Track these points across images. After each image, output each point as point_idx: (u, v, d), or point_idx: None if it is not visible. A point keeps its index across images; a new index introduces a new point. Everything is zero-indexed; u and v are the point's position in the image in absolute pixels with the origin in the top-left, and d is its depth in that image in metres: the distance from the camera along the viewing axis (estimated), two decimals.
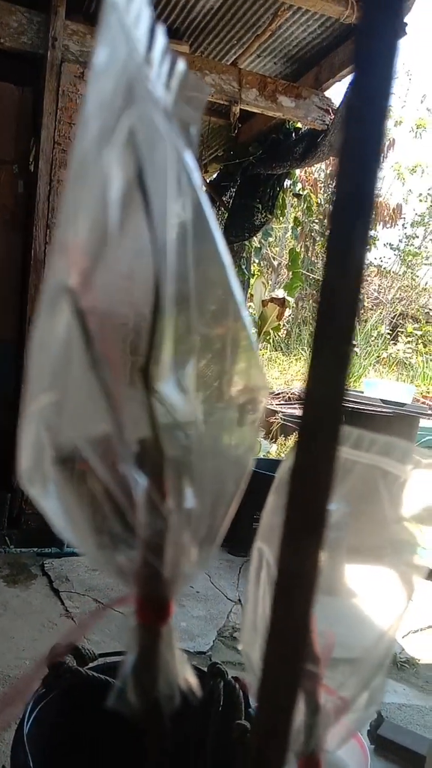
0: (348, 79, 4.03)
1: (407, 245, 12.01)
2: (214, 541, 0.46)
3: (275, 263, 12.16)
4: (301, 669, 0.43)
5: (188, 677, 0.46)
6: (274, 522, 0.74)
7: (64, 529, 0.45)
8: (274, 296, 5.80)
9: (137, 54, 0.43)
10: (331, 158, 4.66)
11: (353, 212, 0.38)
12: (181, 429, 0.45)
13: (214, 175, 6.98)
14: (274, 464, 4.18)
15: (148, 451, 0.45)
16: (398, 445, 0.73)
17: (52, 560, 3.92)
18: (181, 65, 0.51)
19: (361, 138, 0.37)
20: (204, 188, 7.07)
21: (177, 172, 0.44)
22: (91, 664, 1.49)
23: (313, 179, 8.63)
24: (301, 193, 6.31)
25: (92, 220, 0.43)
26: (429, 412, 6.50)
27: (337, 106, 4.13)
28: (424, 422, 5.96)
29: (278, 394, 7.75)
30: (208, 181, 7.13)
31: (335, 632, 0.79)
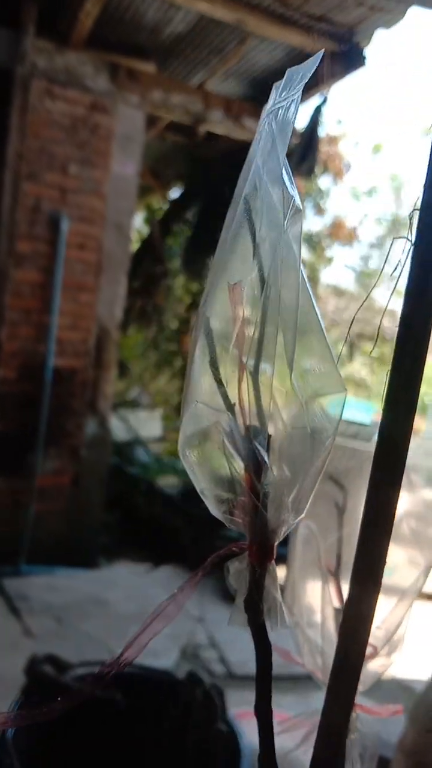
0: (311, 102, 4.27)
1: (363, 266, 12.28)
2: (303, 501, 0.62)
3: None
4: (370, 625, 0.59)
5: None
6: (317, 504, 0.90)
7: (200, 491, 0.60)
8: None
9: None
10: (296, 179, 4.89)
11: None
12: (280, 419, 0.60)
13: (176, 194, 7.13)
14: None
15: (258, 434, 0.60)
16: None
17: (9, 580, 3.84)
18: None
19: None
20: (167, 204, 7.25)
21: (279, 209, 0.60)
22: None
23: None
24: None
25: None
26: None
27: (301, 129, 4.35)
28: None
29: None
30: (170, 198, 7.30)
31: None
